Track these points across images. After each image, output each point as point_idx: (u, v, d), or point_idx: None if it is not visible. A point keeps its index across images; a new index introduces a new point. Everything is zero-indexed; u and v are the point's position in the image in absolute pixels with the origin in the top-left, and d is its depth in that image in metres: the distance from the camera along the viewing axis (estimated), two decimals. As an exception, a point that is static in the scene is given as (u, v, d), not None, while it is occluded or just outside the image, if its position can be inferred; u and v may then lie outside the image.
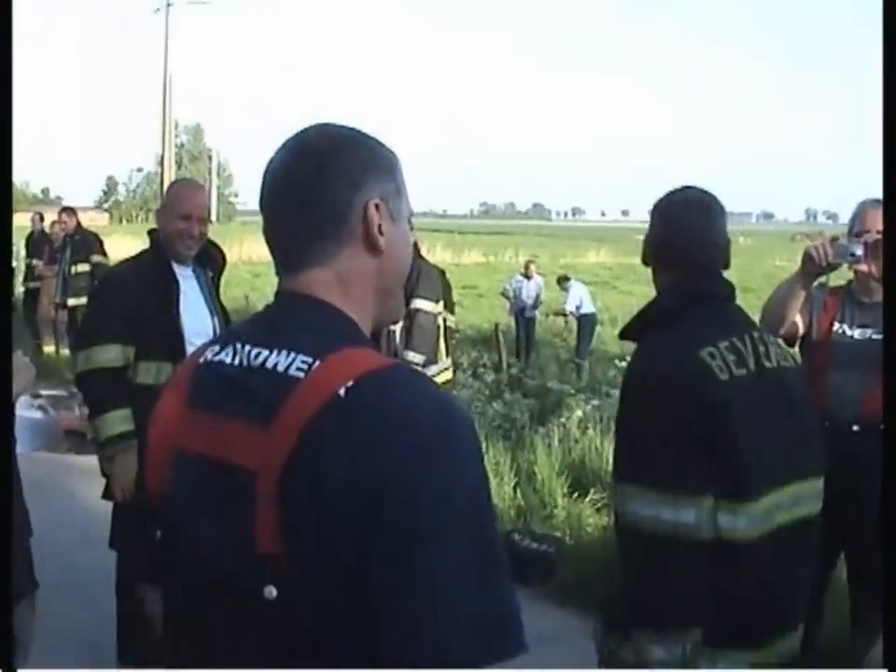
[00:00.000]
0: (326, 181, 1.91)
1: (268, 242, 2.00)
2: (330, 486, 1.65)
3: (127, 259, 5.61)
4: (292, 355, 1.81)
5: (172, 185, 6.03)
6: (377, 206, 1.94)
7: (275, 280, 2.03)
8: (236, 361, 1.91)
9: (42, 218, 20.15)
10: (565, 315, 22.80)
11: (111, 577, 5.71)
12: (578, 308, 21.83)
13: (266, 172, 1.99)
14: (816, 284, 5.04)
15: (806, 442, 3.31)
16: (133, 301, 5.20)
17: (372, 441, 1.66)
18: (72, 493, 9.45)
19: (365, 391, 1.71)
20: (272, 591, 1.70)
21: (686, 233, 3.32)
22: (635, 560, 3.13)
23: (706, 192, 3.40)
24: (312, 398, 1.73)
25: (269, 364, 1.83)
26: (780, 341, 4.27)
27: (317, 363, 1.78)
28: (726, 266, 3.40)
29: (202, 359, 1.99)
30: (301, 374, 1.76)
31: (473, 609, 1.63)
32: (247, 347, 1.90)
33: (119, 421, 5.11)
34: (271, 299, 2.04)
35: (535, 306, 22.93)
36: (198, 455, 1.88)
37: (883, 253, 3.91)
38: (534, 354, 21.17)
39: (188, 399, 1.97)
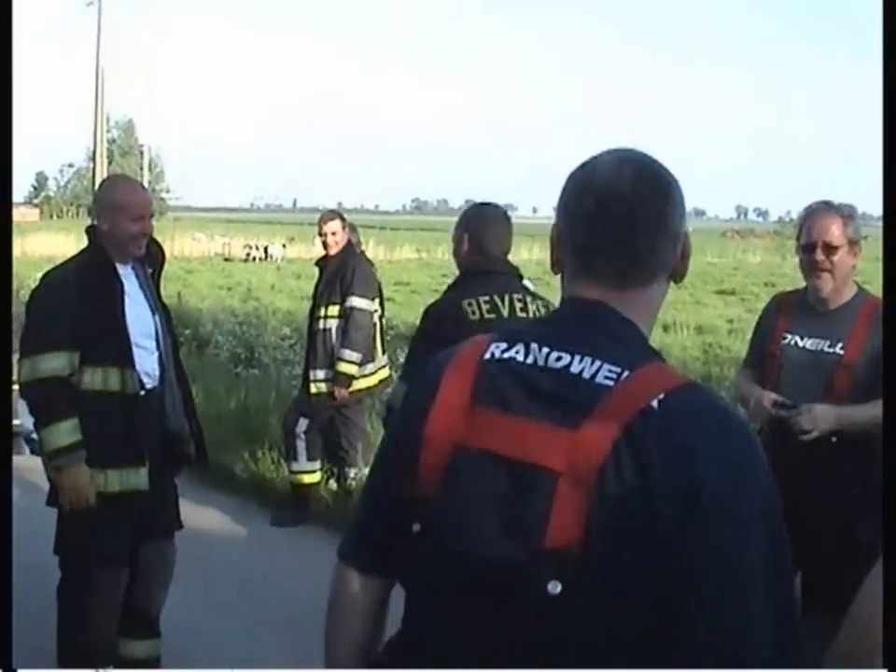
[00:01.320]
0: (670, 209, 2.01)
1: (576, 247, 2.05)
2: (648, 487, 1.79)
3: (65, 262, 5.37)
4: (598, 363, 1.92)
5: (113, 185, 5.70)
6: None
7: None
8: (529, 360, 2.00)
9: None
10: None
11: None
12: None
13: (590, 182, 2.03)
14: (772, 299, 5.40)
15: None
16: (78, 306, 5.02)
17: (689, 449, 1.82)
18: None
19: (677, 404, 1.86)
20: (556, 586, 1.80)
21: (477, 235, 5.18)
22: None
23: (495, 206, 5.48)
24: (625, 406, 1.85)
25: (573, 369, 1.93)
26: (546, 301, 5.15)
27: (626, 374, 1.90)
28: (506, 252, 5.29)
29: (486, 355, 2.04)
30: (610, 383, 1.88)
31: (776, 601, 1.81)
32: (543, 349, 1.98)
33: (67, 432, 4.94)
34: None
35: None
36: (487, 453, 1.95)
37: (883, 253, 4.05)
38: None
39: (472, 395, 2.01)
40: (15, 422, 9.00)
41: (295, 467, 8.83)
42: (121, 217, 5.15)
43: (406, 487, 2.06)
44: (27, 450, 10.95)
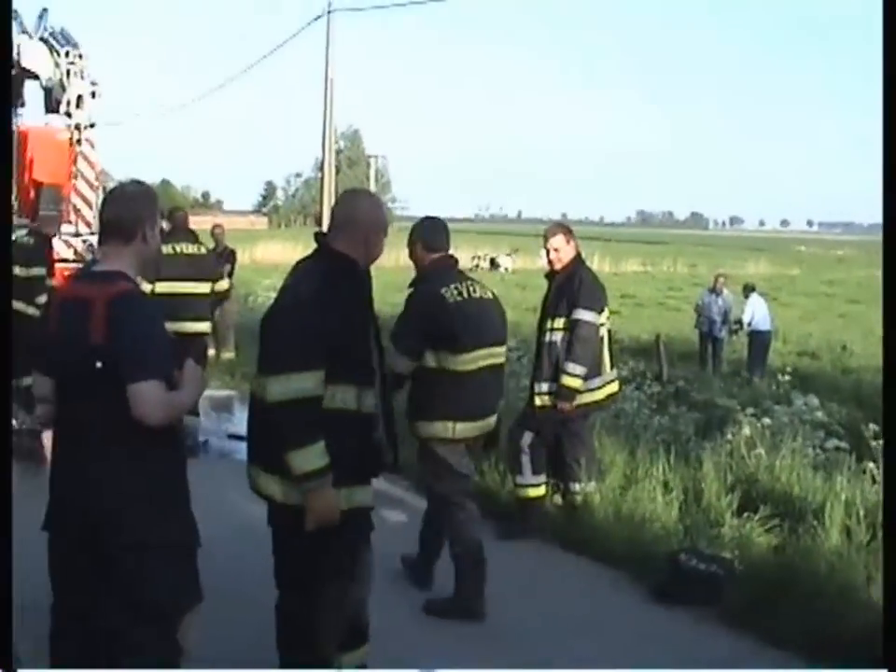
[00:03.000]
0: None
1: None
2: None
3: (305, 274, 5.22)
4: None
5: (363, 199, 5.61)
6: None
7: None
8: None
9: (223, 231, 20.46)
10: (739, 325, 22.37)
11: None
12: (750, 322, 21.45)
13: None
14: None
15: (492, 331, 7.16)
16: (329, 322, 4.96)
17: None
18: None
19: None
20: None
21: (431, 241, 7.21)
22: None
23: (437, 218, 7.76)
24: None
25: None
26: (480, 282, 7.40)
27: None
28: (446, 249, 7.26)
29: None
30: None
31: None
32: None
33: (318, 455, 4.88)
34: None
35: (724, 322, 22.48)
36: None
37: (883, 252, 4.50)
38: (698, 366, 20.81)
39: None
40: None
41: (520, 480, 8.80)
42: (379, 232, 5.27)
43: None
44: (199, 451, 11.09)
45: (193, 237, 11.93)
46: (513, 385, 12.28)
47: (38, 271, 15.08)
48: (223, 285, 12.13)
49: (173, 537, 4.55)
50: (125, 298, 4.44)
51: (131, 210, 4.64)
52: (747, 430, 10.41)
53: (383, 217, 5.37)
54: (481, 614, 6.98)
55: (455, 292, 6.97)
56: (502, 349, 7.34)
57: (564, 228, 9.00)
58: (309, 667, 5.09)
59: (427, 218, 7.65)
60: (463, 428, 7.08)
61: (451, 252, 7.35)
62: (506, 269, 57.76)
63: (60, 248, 18.63)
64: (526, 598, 7.36)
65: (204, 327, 11.86)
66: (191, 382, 4.66)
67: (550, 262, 8.89)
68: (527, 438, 8.73)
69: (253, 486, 5.25)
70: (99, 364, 4.34)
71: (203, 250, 12.09)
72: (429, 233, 7.26)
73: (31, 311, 14.19)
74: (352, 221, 5.22)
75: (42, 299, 13.77)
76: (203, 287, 11.67)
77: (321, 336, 4.89)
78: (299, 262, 5.38)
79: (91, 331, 4.36)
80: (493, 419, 7.26)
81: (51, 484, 4.75)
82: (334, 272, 5.10)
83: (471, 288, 7.08)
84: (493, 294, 7.35)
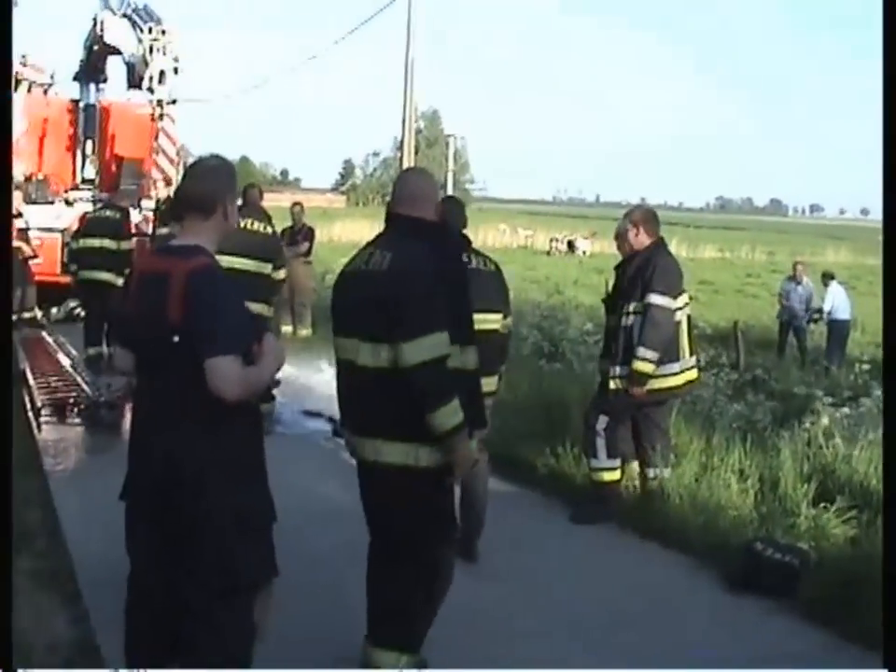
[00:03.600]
0: None
1: None
2: None
3: (418, 243, 5.33)
4: None
5: (430, 176, 5.99)
6: None
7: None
8: None
9: (302, 209, 20.49)
10: (819, 313, 22.12)
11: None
12: (829, 311, 21.23)
13: None
14: None
15: (483, 298, 6.63)
16: (446, 287, 5.22)
17: None
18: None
19: None
20: None
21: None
22: None
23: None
24: None
25: None
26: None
27: None
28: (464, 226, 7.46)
29: None
30: None
31: None
32: None
33: (457, 410, 5.08)
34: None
35: (806, 310, 22.26)
36: None
37: (883, 251, 4.61)
38: (776, 355, 20.61)
39: None
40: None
41: (595, 464, 8.75)
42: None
43: None
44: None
45: (264, 216, 11.63)
46: (591, 368, 12.24)
47: (128, 244, 15.35)
48: (280, 274, 11.63)
49: (249, 512, 4.55)
50: (203, 272, 4.44)
51: (211, 185, 4.65)
52: (825, 420, 10.30)
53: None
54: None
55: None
56: (495, 316, 7.43)
57: (639, 213, 8.96)
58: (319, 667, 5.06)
59: (447, 197, 8.95)
60: None
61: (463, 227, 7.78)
62: (584, 252, 57.57)
63: (139, 222, 18.85)
64: (600, 584, 7.32)
65: (259, 308, 10.50)
66: (269, 357, 4.65)
67: (624, 247, 8.97)
68: (602, 421, 8.68)
69: (372, 458, 5.30)
70: (176, 338, 4.35)
71: (270, 231, 11.64)
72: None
73: (120, 282, 14.50)
74: (432, 196, 5.56)
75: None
76: (264, 268, 11.01)
77: (442, 299, 5.12)
78: (380, 236, 5.53)
79: (169, 305, 4.37)
80: (488, 378, 6.98)
81: (130, 456, 4.78)
82: (440, 240, 5.42)
83: (471, 259, 7.46)
84: (496, 267, 7.76)
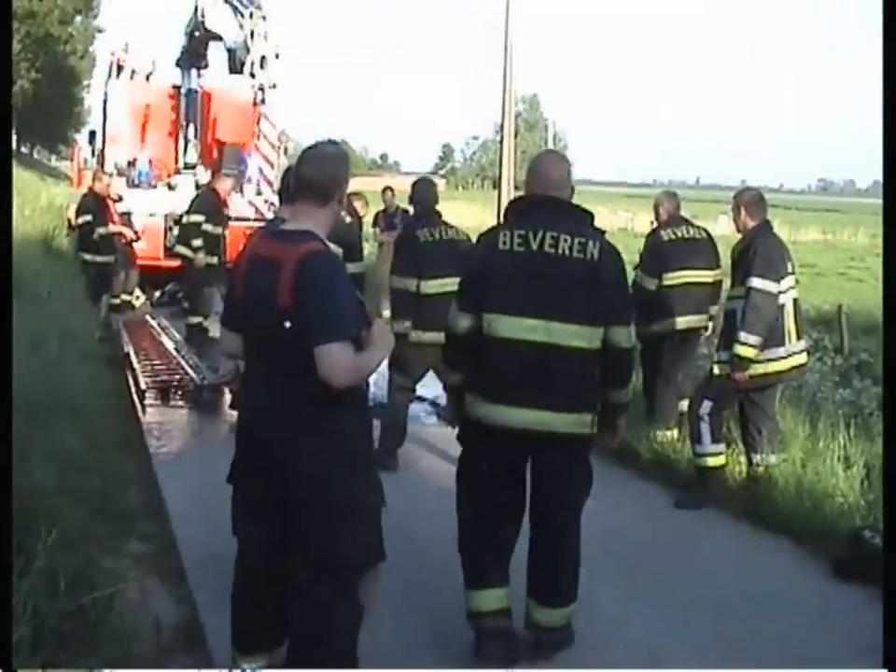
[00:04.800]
0: None
1: None
2: None
3: (597, 230, 5.74)
4: None
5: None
6: None
7: None
8: None
9: (394, 193, 20.62)
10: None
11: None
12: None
13: None
14: None
15: (454, 264, 7.47)
16: None
17: None
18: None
19: None
20: None
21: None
22: None
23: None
24: None
25: None
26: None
27: None
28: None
29: None
30: None
31: None
32: None
33: None
34: None
35: None
36: None
37: (883, 252, 4.75)
38: (879, 339, 20.23)
39: None
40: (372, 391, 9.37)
41: (699, 449, 8.66)
42: None
43: None
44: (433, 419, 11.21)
45: (348, 205, 11.62)
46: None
47: (221, 230, 15.59)
48: (356, 268, 11.51)
49: (358, 495, 4.57)
50: (316, 257, 4.44)
51: (329, 171, 4.66)
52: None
53: None
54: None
55: (428, 233, 9.18)
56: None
57: (745, 195, 8.84)
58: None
59: (419, 179, 10.42)
60: (423, 336, 9.05)
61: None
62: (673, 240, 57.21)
63: (241, 207, 18.96)
64: (703, 569, 7.25)
65: None
66: (379, 343, 4.65)
67: (661, 217, 10.44)
68: (706, 406, 8.59)
69: (562, 430, 5.54)
70: (287, 323, 4.37)
71: (349, 220, 11.60)
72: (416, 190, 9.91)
73: (214, 260, 14.81)
74: (570, 181, 5.87)
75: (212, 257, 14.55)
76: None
77: None
78: (531, 216, 5.67)
79: (280, 290, 4.38)
80: None
81: (238, 439, 4.80)
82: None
83: (444, 231, 9.35)
84: (467, 237, 9.33)
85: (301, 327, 4.33)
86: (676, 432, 10.04)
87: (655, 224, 10.95)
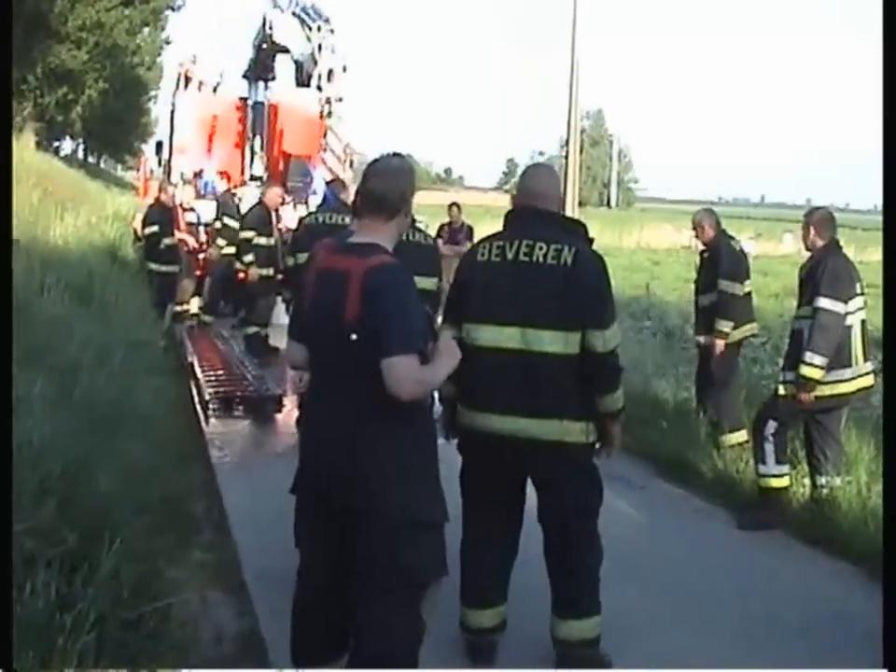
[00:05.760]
0: None
1: None
2: None
3: (582, 240, 5.73)
4: None
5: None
6: None
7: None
8: None
9: (459, 209, 20.81)
10: None
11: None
12: None
13: None
14: None
15: (418, 265, 5.75)
16: None
17: None
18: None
19: None
20: None
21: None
22: None
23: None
24: None
25: None
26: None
27: None
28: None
29: None
30: None
31: None
32: None
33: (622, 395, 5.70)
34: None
35: None
36: None
37: (883, 252, 4.74)
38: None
39: None
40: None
41: (763, 469, 8.58)
42: None
43: None
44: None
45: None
46: (756, 371, 12.04)
47: (273, 241, 15.72)
48: (428, 283, 11.52)
49: (422, 509, 4.57)
50: (383, 270, 4.46)
51: (397, 186, 4.68)
52: None
53: None
54: None
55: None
56: (428, 280, 7.38)
57: (815, 215, 8.80)
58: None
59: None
60: None
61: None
62: (748, 253, 56.97)
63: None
64: (764, 591, 7.18)
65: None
66: (445, 356, 4.66)
67: (702, 237, 10.51)
68: (771, 426, 8.52)
69: (547, 437, 5.51)
70: (354, 336, 4.38)
71: (431, 241, 11.85)
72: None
73: (269, 272, 14.98)
74: (559, 193, 6.20)
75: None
76: (428, 283, 11.21)
77: None
78: (516, 229, 5.78)
79: (348, 303, 4.40)
80: None
81: (302, 451, 4.81)
82: (586, 235, 5.81)
83: (410, 235, 8.20)
84: (431, 241, 8.42)
85: (368, 339, 4.34)
86: (745, 433, 10.01)
87: (698, 241, 11.19)
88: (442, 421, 6.06)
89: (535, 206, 5.72)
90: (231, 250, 16.62)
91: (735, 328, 10.48)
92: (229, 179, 21.76)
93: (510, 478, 5.76)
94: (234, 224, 16.70)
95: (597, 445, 5.76)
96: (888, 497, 2.84)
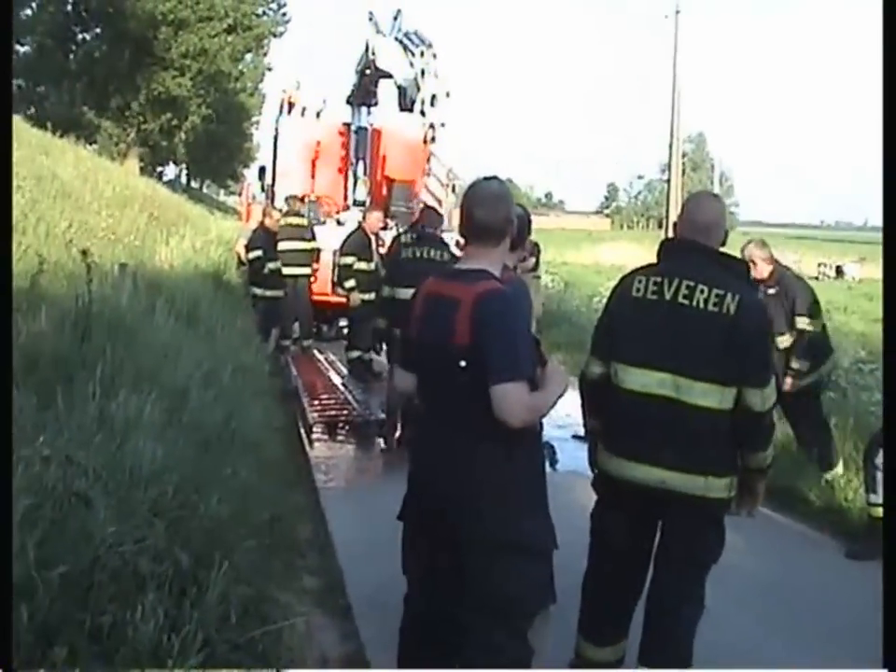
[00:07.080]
0: None
1: None
2: None
3: (754, 291, 5.90)
4: None
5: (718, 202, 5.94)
6: None
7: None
8: None
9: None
10: None
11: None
12: None
13: None
14: None
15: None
16: None
17: None
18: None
19: None
20: None
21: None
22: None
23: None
24: None
25: None
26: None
27: None
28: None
29: None
30: None
31: None
32: None
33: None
34: None
35: None
36: None
37: (883, 254, 4.75)
38: None
39: None
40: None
41: (874, 499, 8.42)
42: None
43: None
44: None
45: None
46: (865, 398, 11.85)
47: (374, 266, 15.77)
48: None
49: (532, 538, 4.55)
50: (493, 297, 4.45)
51: (501, 212, 4.67)
52: None
53: None
54: None
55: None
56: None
57: None
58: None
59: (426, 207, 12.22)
60: None
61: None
62: (852, 277, 56.17)
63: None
64: (874, 624, 7.06)
65: None
66: (554, 382, 4.63)
67: (759, 271, 9.91)
68: (882, 455, 8.38)
69: (691, 492, 5.26)
70: (463, 363, 4.37)
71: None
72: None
73: (371, 296, 15.02)
74: (724, 224, 5.50)
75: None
76: None
77: None
78: (673, 263, 5.41)
79: (457, 329, 4.40)
80: None
81: (411, 477, 4.82)
82: (748, 278, 5.67)
83: (426, 252, 10.78)
84: (447, 257, 9.98)
85: (478, 366, 4.34)
86: (841, 467, 9.92)
87: (754, 274, 10.82)
88: (589, 454, 5.85)
89: (697, 241, 5.34)
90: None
91: (822, 364, 10.30)
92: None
93: (643, 523, 5.51)
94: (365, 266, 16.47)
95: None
96: (888, 496, 2.81)
